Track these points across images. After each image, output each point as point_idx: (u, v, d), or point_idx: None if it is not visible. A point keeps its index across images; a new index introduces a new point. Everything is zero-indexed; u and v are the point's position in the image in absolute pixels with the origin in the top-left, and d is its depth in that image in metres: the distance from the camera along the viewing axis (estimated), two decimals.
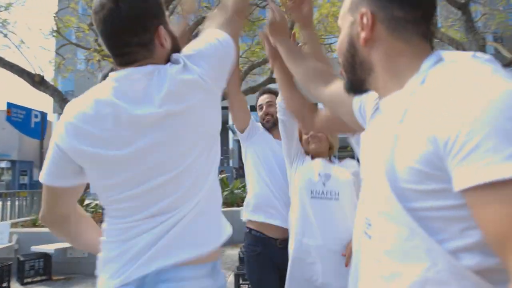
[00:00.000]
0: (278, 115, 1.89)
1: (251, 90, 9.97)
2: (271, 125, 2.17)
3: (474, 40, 7.02)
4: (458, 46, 8.02)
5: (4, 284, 4.11)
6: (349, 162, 1.92)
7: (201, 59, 1.00)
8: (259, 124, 2.25)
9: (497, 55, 14.56)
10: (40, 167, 1.13)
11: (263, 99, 2.24)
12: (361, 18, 0.77)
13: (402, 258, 0.69)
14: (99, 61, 10.26)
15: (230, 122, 27.97)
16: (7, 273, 4.21)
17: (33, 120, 9.80)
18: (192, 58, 0.99)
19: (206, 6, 11.13)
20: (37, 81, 8.59)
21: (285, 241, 1.91)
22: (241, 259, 4.90)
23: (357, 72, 0.83)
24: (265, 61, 9.71)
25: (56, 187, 1.02)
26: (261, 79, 12.04)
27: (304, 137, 1.94)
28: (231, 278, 4.46)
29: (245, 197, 8.05)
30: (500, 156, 0.52)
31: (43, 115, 10.05)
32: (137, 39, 0.96)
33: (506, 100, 0.54)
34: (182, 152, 0.95)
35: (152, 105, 0.92)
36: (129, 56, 0.97)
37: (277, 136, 2.14)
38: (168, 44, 1.00)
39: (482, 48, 6.96)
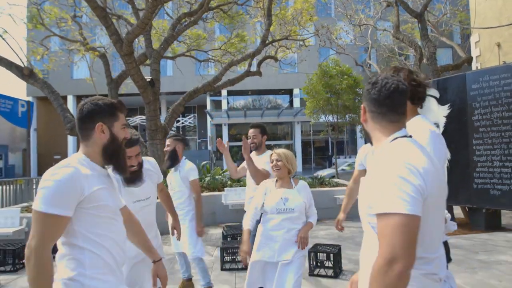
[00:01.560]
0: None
1: (230, 83, 10.68)
2: (254, 149, 3.52)
3: (427, 46, 7.99)
4: (417, 48, 9.01)
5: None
6: (301, 185, 2.82)
7: None
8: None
9: (454, 54, 15.80)
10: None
11: (250, 132, 3.53)
12: (362, 109, 1.44)
13: (370, 242, 1.29)
14: (84, 52, 10.60)
15: (209, 107, 28.32)
16: None
17: (20, 109, 10.12)
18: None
19: (187, 1, 11.57)
20: (26, 74, 8.92)
21: None
22: (224, 236, 5.75)
23: (368, 135, 1.47)
24: (243, 59, 10.32)
25: None
26: (240, 71, 12.69)
27: (271, 165, 2.84)
28: (216, 253, 5.33)
29: (225, 182, 9.06)
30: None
31: (29, 104, 10.37)
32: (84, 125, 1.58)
33: (400, 174, 1.15)
34: None
35: None
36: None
37: (257, 154, 3.52)
38: (106, 136, 1.57)
39: (433, 55, 7.96)
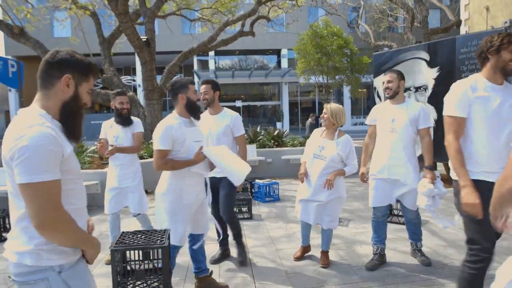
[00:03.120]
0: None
1: (223, 43, 10.70)
2: (207, 105, 3.37)
3: (420, 10, 8.16)
4: (409, 11, 9.15)
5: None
6: (341, 139, 3.17)
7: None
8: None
9: (443, 17, 15.89)
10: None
11: (202, 89, 3.34)
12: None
13: None
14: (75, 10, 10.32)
15: (196, 67, 27.97)
16: None
17: (10, 70, 9.85)
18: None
19: None
20: (17, 33, 8.76)
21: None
22: None
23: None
24: (238, 19, 10.28)
25: None
26: (231, 31, 12.60)
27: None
28: None
29: None
30: None
31: (19, 64, 10.09)
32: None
33: None
34: None
35: None
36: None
37: (212, 112, 3.35)
38: (70, 91, 1.38)
39: (425, 18, 8.15)
